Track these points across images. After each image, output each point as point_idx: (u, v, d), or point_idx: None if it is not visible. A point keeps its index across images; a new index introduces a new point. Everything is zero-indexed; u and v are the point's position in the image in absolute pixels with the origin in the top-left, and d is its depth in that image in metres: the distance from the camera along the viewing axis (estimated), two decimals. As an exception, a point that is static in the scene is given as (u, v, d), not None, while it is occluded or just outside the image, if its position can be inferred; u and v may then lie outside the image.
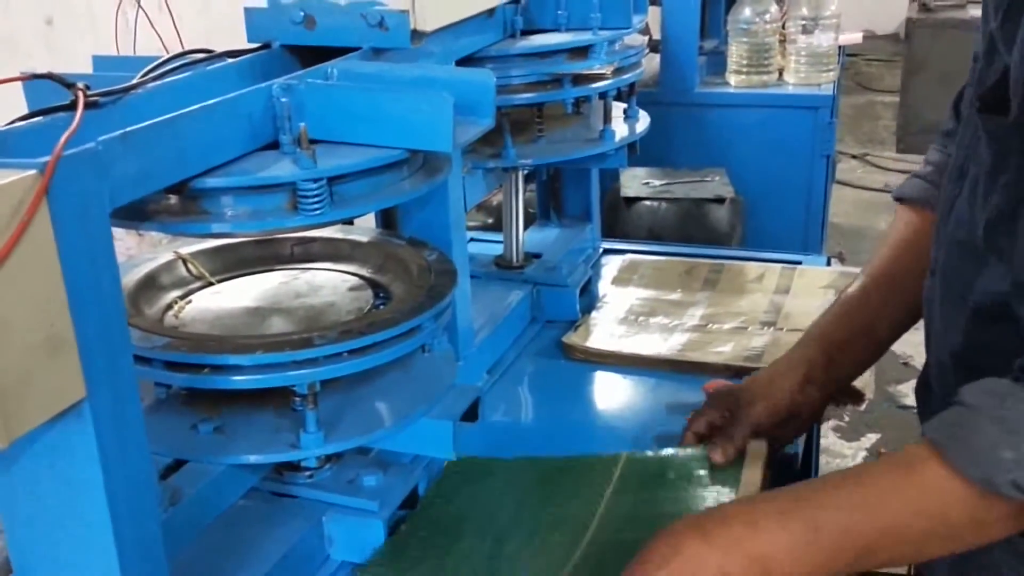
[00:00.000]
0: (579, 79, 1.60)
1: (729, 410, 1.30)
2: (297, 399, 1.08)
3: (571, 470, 1.31)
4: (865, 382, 1.62)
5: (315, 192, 0.98)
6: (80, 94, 0.89)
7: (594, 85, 1.61)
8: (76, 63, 1.14)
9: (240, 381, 1.02)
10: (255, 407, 1.12)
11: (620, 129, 1.74)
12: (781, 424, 1.30)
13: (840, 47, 3.49)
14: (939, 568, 1.11)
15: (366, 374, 1.15)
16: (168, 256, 1.25)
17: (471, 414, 1.22)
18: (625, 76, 1.67)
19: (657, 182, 2.95)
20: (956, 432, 0.86)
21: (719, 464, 1.24)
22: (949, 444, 0.86)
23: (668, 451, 1.31)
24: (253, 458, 1.07)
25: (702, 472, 1.25)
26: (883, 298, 1.32)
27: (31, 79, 0.94)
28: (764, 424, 1.27)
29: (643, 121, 1.80)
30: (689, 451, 1.29)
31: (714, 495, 1.20)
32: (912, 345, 3.79)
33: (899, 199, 1.36)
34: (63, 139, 0.77)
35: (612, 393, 1.66)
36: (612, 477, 1.27)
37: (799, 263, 2.05)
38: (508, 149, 1.63)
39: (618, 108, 1.78)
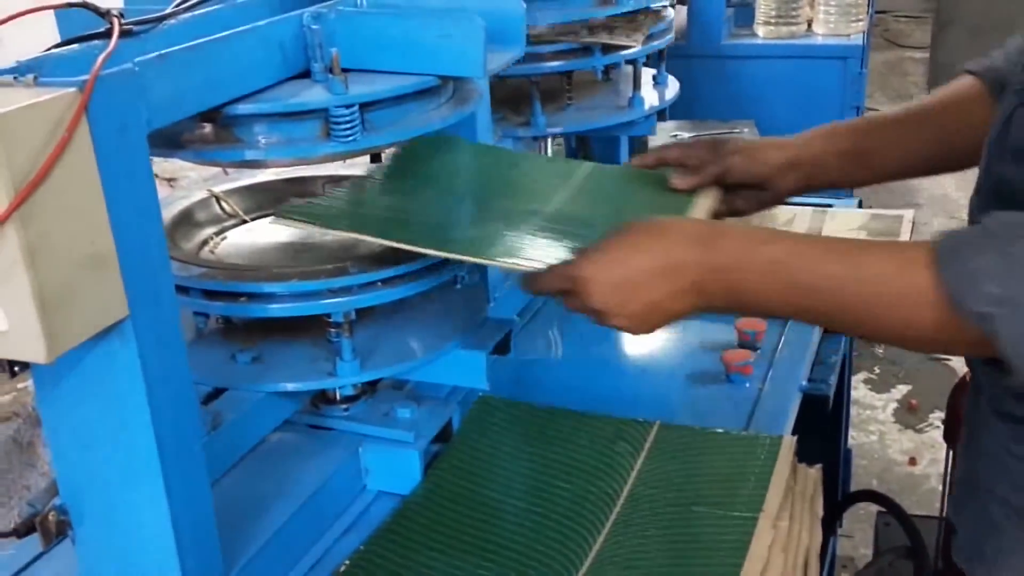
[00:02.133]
0: (608, 48, 1.59)
1: (706, 156, 1.26)
2: (332, 329, 1.09)
3: (605, 426, 1.31)
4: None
5: (347, 118, 0.98)
6: (115, 21, 0.89)
7: (623, 52, 1.61)
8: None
9: (276, 309, 1.04)
10: (291, 338, 1.14)
11: (649, 96, 1.74)
12: (747, 189, 1.28)
13: (869, -2, 3.45)
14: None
15: (399, 306, 1.16)
16: (202, 194, 1.27)
17: (503, 347, 1.23)
18: (655, 43, 1.66)
19: (686, 135, 2.93)
20: (961, 249, 0.84)
21: (675, 186, 1.22)
22: (947, 258, 0.84)
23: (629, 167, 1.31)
24: (291, 386, 1.08)
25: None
26: (903, 132, 1.27)
27: (65, 7, 0.94)
28: (733, 177, 1.25)
29: (672, 87, 1.80)
30: (652, 173, 1.27)
31: None
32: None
33: (973, 72, 1.26)
34: (100, 59, 0.78)
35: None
36: (645, 443, 1.26)
37: (830, 206, 2.04)
38: (537, 117, 1.64)
39: (647, 74, 1.78)
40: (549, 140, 1.79)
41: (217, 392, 1.13)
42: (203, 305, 1.06)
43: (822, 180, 1.29)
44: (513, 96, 1.62)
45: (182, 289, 1.04)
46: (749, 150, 1.25)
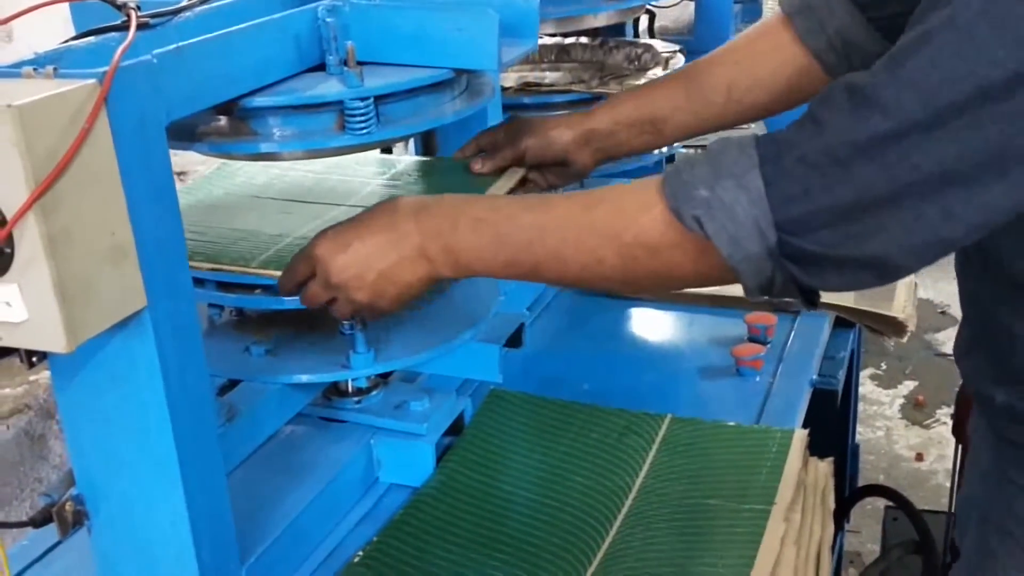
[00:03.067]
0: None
1: (502, 139, 1.26)
2: (345, 323, 1.09)
3: (617, 419, 1.31)
4: (908, 315, 1.62)
5: (362, 111, 0.98)
6: (132, 13, 0.90)
7: None
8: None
9: (291, 301, 1.04)
10: (305, 330, 1.14)
11: None
12: (549, 167, 1.29)
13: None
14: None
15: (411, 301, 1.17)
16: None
17: (516, 339, 1.23)
18: None
19: (692, 131, 2.93)
20: (680, 167, 0.88)
21: (475, 172, 1.23)
22: (670, 177, 0.88)
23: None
24: (305, 378, 1.09)
25: None
26: (684, 91, 1.27)
27: (81, 0, 0.95)
28: (531, 158, 1.26)
29: None
30: (452, 159, 1.29)
31: None
32: (950, 294, 3.76)
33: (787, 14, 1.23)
34: (119, 51, 0.78)
35: (653, 327, 1.67)
36: (656, 436, 1.27)
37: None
38: None
39: None
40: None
41: (231, 384, 1.14)
42: (218, 297, 1.06)
43: (620, 151, 1.30)
44: None
45: (197, 281, 1.04)
46: (542, 130, 1.25)
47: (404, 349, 1.12)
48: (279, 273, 1.03)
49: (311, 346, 1.14)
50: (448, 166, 1.31)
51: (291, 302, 1.05)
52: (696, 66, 1.28)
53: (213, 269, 1.05)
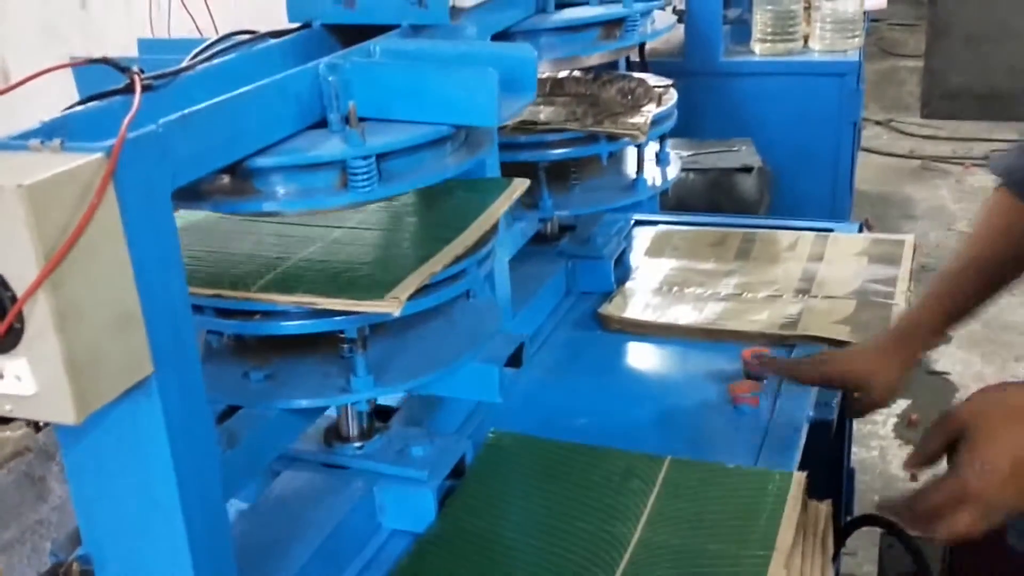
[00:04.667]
0: (612, 136, 1.65)
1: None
2: (345, 345, 1.10)
3: (617, 462, 1.32)
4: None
5: (364, 170, 0.99)
6: (136, 78, 0.91)
7: (627, 139, 1.66)
8: (111, 47, 1.16)
9: (290, 326, 1.04)
10: (304, 355, 1.14)
11: (652, 173, 1.79)
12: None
13: (865, 12, 3.47)
14: None
15: (411, 322, 1.17)
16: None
17: (516, 359, 1.24)
18: (657, 128, 1.71)
19: (684, 153, 2.95)
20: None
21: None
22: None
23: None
24: (305, 402, 1.09)
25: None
26: (977, 286, 1.40)
27: (86, 64, 0.96)
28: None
29: (674, 166, 1.84)
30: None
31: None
32: (941, 311, 3.79)
33: (1003, 184, 1.38)
34: (125, 122, 0.79)
35: (650, 362, 1.68)
36: (657, 480, 1.27)
37: (831, 231, 2.06)
38: (545, 200, 1.69)
39: (650, 149, 1.83)
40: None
41: (231, 410, 1.13)
42: (217, 323, 1.06)
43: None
44: (519, 175, 1.67)
45: (195, 308, 1.03)
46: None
47: (404, 372, 1.12)
48: (281, 297, 1.03)
49: (311, 370, 1.14)
50: (444, 187, 1.31)
51: (290, 327, 1.05)
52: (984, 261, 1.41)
53: (214, 295, 1.05)
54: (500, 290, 1.49)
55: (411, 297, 1.03)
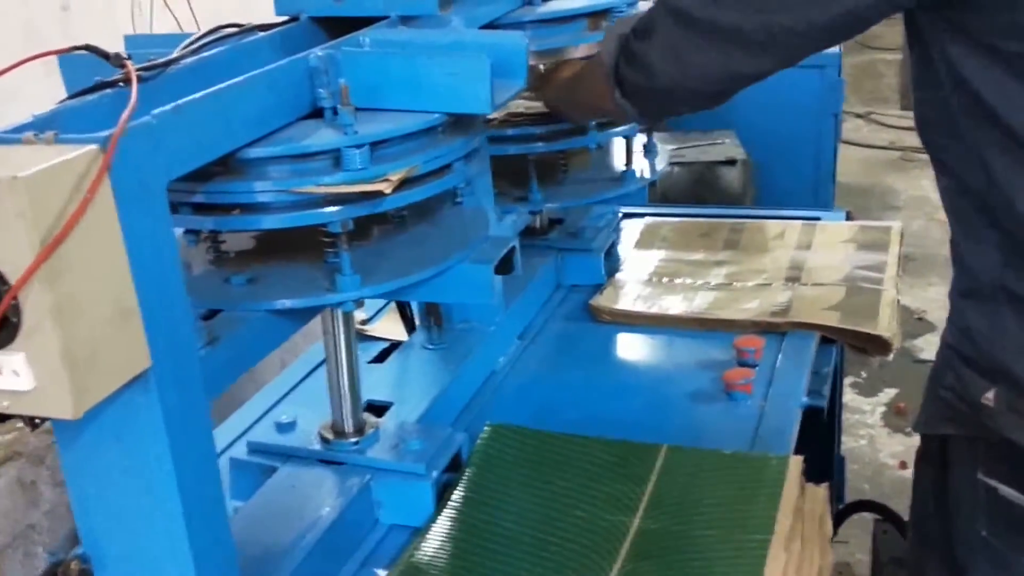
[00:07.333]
0: (602, 125, 1.65)
1: None
2: (329, 248, 1.06)
3: (614, 451, 1.31)
4: (893, 332, 1.64)
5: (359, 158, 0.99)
6: (132, 68, 0.89)
7: (616, 130, 1.67)
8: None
9: (272, 220, 1.01)
10: (287, 261, 1.11)
11: (641, 165, 1.78)
12: None
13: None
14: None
15: (398, 228, 1.16)
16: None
17: (506, 264, 1.21)
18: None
19: (668, 146, 2.95)
20: None
21: None
22: None
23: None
24: (289, 302, 1.05)
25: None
26: None
27: (71, 51, 0.95)
28: None
29: (662, 157, 1.84)
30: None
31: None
32: (926, 300, 3.81)
33: None
34: (126, 114, 0.78)
35: (642, 352, 1.68)
36: (654, 467, 1.27)
37: (818, 219, 2.06)
38: (534, 193, 1.69)
39: (638, 141, 1.83)
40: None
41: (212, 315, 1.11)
42: (195, 221, 1.02)
43: None
44: (507, 169, 1.67)
45: (172, 206, 0.96)
46: None
47: (392, 272, 1.09)
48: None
49: (295, 273, 1.10)
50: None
51: (272, 220, 1.02)
52: None
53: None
54: (486, 198, 1.47)
55: (397, 189, 1.00)
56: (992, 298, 1.13)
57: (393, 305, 1.70)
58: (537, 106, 1.67)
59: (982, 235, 1.13)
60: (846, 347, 1.72)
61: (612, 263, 1.89)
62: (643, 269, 1.88)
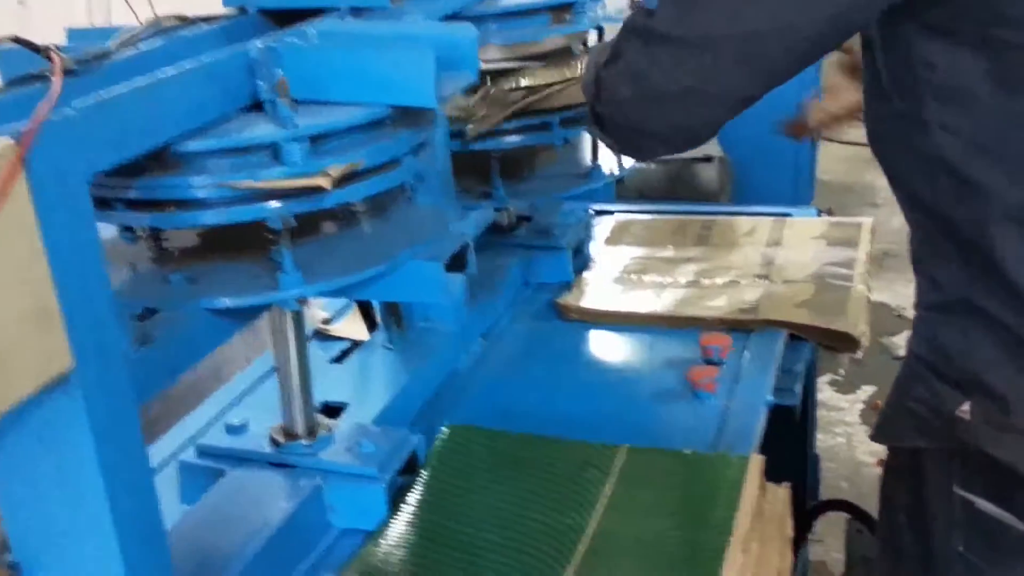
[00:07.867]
0: (567, 121, 1.61)
1: None
2: (273, 247, 1.02)
3: (574, 452, 1.29)
4: (861, 331, 1.62)
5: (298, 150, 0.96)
6: (56, 59, 0.86)
7: (582, 125, 1.62)
8: (50, 42, 1.12)
9: (208, 215, 0.97)
10: (232, 260, 1.07)
11: (608, 162, 1.75)
12: None
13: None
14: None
15: (344, 225, 1.12)
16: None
17: (459, 261, 1.18)
18: None
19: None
20: None
21: None
22: None
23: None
24: (229, 301, 1.01)
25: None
26: None
27: None
28: None
29: None
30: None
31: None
32: (906, 298, 3.79)
33: None
34: (43, 106, 0.75)
35: (608, 351, 1.65)
36: (614, 468, 1.25)
37: (788, 215, 2.04)
38: (498, 190, 1.66)
39: None
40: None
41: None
42: (130, 217, 0.98)
43: None
44: (471, 167, 1.64)
45: (103, 202, 0.97)
46: None
47: (337, 269, 1.05)
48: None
49: (236, 271, 1.06)
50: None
51: (210, 215, 0.98)
52: None
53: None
54: (445, 194, 1.44)
55: (340, 184, 0.97)
56: (961, 312, 1.11)
57: (355, 305, 1.67)
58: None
59: (945, 250, 1.11)
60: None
61: (581, 261, 1.87)
62: (612, 266, 1.85)
